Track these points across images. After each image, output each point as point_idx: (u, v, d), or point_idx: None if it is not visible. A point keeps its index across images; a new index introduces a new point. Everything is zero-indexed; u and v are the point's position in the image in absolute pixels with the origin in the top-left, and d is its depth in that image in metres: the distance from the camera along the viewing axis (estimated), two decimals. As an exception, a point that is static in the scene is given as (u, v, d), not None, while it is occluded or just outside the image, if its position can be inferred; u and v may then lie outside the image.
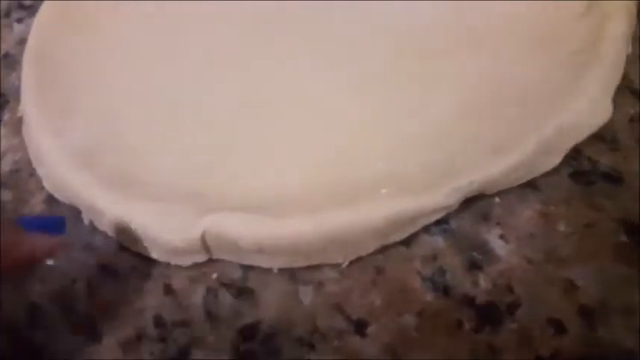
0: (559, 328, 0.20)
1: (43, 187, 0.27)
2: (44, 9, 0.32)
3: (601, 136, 0.23)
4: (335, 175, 0.23)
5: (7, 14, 0.35)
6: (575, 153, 0.23)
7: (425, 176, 0.22)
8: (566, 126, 0.22)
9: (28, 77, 0.30)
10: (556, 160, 0.23)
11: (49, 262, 0.24)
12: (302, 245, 0.22)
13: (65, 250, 0.22)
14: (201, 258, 0.23)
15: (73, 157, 0.26)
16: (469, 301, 0.21)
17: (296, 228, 0.21)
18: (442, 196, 0.22)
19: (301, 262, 0.23)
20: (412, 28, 0.27)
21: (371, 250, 0.22)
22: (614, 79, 0.24)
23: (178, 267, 0.23)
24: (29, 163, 0.28)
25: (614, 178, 0.23)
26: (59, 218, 0.22)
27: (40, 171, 0.27)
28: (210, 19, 0.30)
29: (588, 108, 0.23)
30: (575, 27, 0.25)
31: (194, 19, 0.31)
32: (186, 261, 0.23)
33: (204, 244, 0.22)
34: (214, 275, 0.23)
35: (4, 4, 0.36)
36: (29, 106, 0.28)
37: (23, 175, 0.28)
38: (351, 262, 0.22)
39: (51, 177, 0.26)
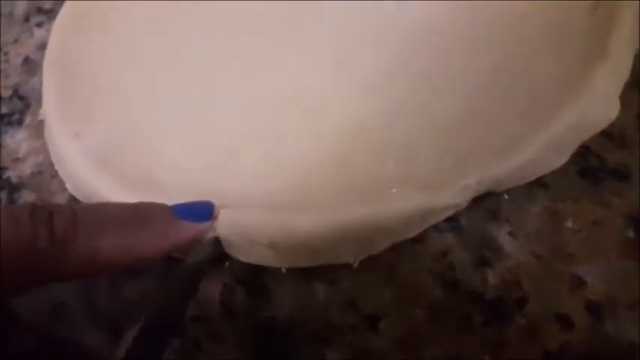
0: (567, 322, 0.21)
1: (65, 189, 0.28)
2: (62, 14, 0.33)
3: (609, 133, 0.24)
4: (346, 175, 0.24)
5: (27, 19, 0.36)
6: (583, 150, 0.24)
7: (434, 175, 0.23)
8: (574, 124, 0.23)
9: (49, 82, 0.30)
10: (564, 158, 0.23)
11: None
12: (313, 241, 0.22)
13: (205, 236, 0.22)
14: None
15: (93, 159, 0.27)
16: (478, 296, 0.22)
17: (308, 223, 0.22)
18: (451, 194, 0.22)
19: (311, 262, 0.23)
20: (419, 28, 0.28)
21: (381, 248, 0.23)
22: (623, 76, 0.24)
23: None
24: (51, 165, 0.29)
25: (622, 174, 0.23)
26: (207, 205, 0.22)
27: (62, 173, 0.28)
28: (222, 19, 0.31)
29: (596, 105, 0.23)
30: (583, 24, 0.25)
31: (205, 19, 0.31)
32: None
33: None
34: (230, 273, 0.24)
35: (23, 9, 0.37)
36: (50, 109, 0.29)
37: (45, 176, 0.29)
38: (362, 260, 0.23)
39: (72, 178, 0.27)
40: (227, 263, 0.24)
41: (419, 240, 0.23)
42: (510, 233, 0.23)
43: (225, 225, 0.23)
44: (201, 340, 0.23)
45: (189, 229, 0.21)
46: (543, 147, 0.23)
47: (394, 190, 0.23)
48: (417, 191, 0.22)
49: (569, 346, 0.20)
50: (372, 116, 0.26)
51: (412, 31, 0.28)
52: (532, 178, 0.23)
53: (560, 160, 0.23)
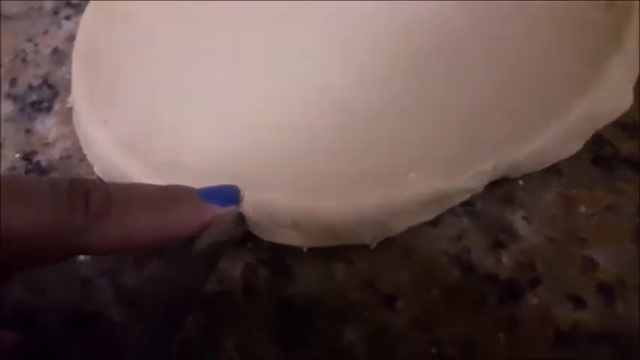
0: (579, 303, 0.21)
1: (93, 172, 0.28)
2: (90, 7, 0.35)
3: (622, 123, 0.24)
4: (365, 161, 0.25)
5: (56, 12, 0.38)
6: (597, 139, 0.24)
7: (450, 161, 0.24)
8: (587, 113, 0.23)
9: (78, 72, 0.32)
10: (577, 146, 0.24)
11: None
12: (334, 223, 0.23)
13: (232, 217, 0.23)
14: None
15: (120, 144, 0.27)
16: (493, 277, 0.22)
17: (330, 205, 0.23)
18: (467, 179, 0.23)
19: (331, 242, 0.24)
20: (433, 21, 0.28)
21: (399, 230, 0.24)
22: (636, 68, 0.25)
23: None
24: (79, 149, 0.30)
25: (635, 163, 0.24)
26: (232, 189, 0.23)
27: (90, 157, 0.29)
28: (242, 15, 0.32)
29: (609, 96, 0.24)
30: (598, 17, 0.26)
31: (225, 15, 0.32)
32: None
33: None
34: (252, 253, 0.25)
35: (53, 3, 0.38)
36: (79, 97, 0.30)
37: (74, 160, 0.30)
38: (380, 242, 0.24)
39: (101, 162, 0.28)
40: (250, 243, 0.25)
41: (435, 223, 0.24)
42: (525, 218, 0.23)
43: (250, 206, 0.23)
44: (223, 318, 0.23)
45: (216, 211, 0.22)
46: (558, 135, 0.23)
47: (412, 175, 0.23)
48: (433, 176, 0.23)
49: (580, 326, 0.21)
50: (391, 105, 0.26)
51: (426, 27, 0.29)
52: (547, 164, 0.24)
53: (575, 147, 0.24)
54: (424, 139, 0.25)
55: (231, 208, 0.23)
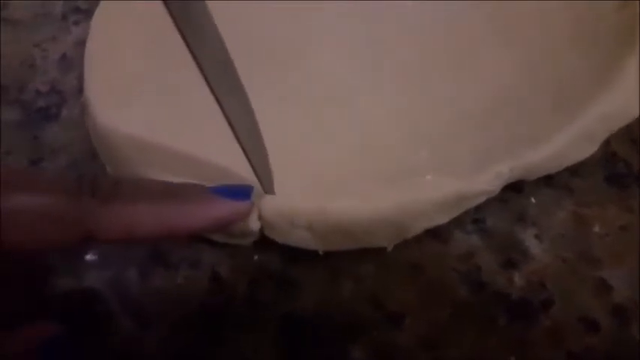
0: (591, 325, 0.21)
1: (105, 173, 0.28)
2: (99, 12, 0.34)
3: (636, 140, 0.24)
4: (383, 163, 0.25)
5: (65, 18, 0.38)
6: (610, 156, 0.24)
7: (467, 162, 0.23)
8: (602, 115, 0.23)
9: (90, 71, 0.31)
10: (593, 148, 0.23)
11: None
12: (351, 225, 0.23)
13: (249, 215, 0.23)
14: (252, 238, 0.24)
15: (134, 143, 0.27)
16: (503, 297, 0.22)
17: (346, 207, 0.23)
18: (484, 181, 0.23)
19: (348, 244, 0.23)
20: (448, 22, 0.28)
21: (415, 233, 0.23)
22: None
23: (224, 257, 0.25)
24: (87, 156, 0.29)
25: (649, 181, 0.24)
26: (246, 187, 0.23)
27: (104, 157, 0.29)
28: (247, 19, 0.32)
29: (624, 97, 0.23)
30: (611, 19, 0.26)
31: (235, 15, 0.32)
32: (242, 241, 0.24)
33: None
34: (258, 266, 0.24)
35: (61, 9, 0.38)
36: (92, 96, 0.30)
37: (81, 167, 0.29)
38: (388, 258, 0.23)
39: (114, 161, 0.28)
40: (256, 257, 0.25)
41: (445, 241, 0.23)
42: (536, 236, 0.23)
43: (265, 207, 0.23)
44: (227, 332, 0.23)
45: (226, 205, 0.22)
46: (573, 136, 0.23)
47: (429, 177, 0.23)
48: (450, 178, 0.23)
49: (593, 349, 0.20)
50: (408, 107, 0.26)
51: (439, 28, 0.29)
52: (563, 166, 0.23)
53: (590, 149, 0.23)
54: (441, 141, 0.24)
55: (244, 204, 0.22)
